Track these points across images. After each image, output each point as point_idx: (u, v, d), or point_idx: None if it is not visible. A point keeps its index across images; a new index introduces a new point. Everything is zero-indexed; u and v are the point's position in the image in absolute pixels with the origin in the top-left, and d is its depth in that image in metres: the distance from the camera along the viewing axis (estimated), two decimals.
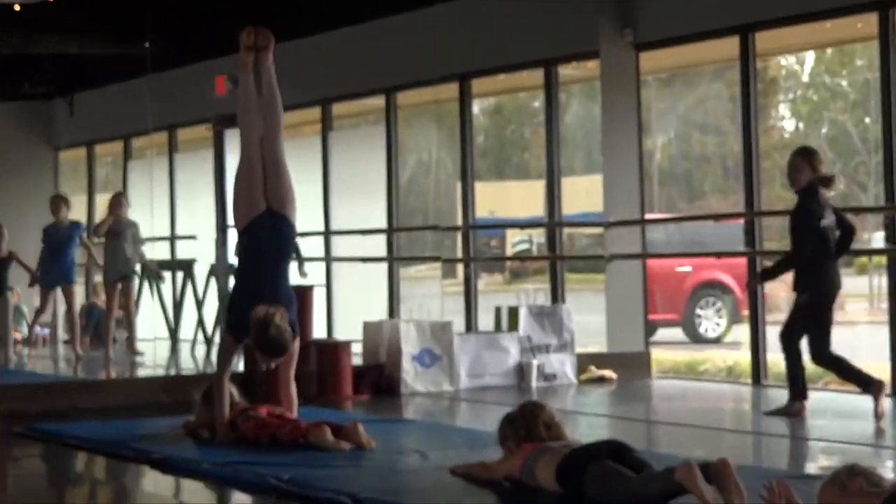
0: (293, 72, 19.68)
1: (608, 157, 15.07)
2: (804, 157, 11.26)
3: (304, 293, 13.44)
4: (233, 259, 18.89)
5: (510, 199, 21.88)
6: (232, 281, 11.43)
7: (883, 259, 12.97)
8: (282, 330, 9.15)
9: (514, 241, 21.93)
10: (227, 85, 20.55)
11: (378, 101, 18.82)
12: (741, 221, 14.28)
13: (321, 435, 9.04)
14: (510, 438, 7.67)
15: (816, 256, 11.14)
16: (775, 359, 14.61)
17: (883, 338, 12.62)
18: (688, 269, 20.06)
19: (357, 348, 13.88)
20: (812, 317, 11.31)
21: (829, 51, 20.63)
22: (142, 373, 15.33)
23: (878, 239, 14.45)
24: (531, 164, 21.36)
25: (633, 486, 6.78)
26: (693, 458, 6.86)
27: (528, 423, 7.64)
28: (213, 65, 20.82)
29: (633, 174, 15.06)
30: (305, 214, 19.39)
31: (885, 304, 13.02)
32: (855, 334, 18.36)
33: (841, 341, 18.82)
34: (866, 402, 12.20)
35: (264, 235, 9.68)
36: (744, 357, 14.28)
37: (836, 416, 11.32)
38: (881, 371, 12.46)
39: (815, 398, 12.69)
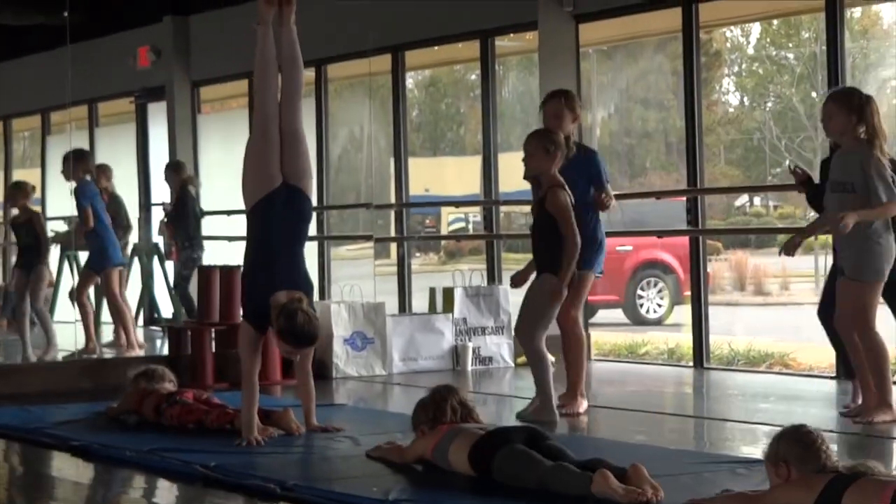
0: (220, 43, 19.71)
1: None
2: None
3: (231, 273, 13.46)
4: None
5: (445, 176, 21.92)
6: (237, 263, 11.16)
7: (829, 238, 13.07)
8: (311, 317, 8.62)
9: (450, 219, 21.97)
10: (150, 56, 20.53)
11: (307, 74, 18.79)
12: (683, 199, 14.33)
13: None
14: (422, 422, 7.79)
15: None
16: (718, 340, 14.80)
17: None
18: (629, 248, 20.17)
19: None
20: None
21: (774, 22, 20.79)
22: (61, 357, 15.27)
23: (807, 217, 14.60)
24: (467, 139, 21.43)
25: (544, 473, 6.90)
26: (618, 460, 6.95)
27: (437, 406, 7.76)
28: (136, 35, 20.79)
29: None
30: (233, 191, 19.51)
31: None
32: (801, 314, 18.54)
33: (786, 322, 19.13)
34: (810, 384, 12.39)
35: (280, 213, 8.96)
36: (685, 339, 14.40)
37: (780, 400, 11.43)
38: (824, 353, 12.61)
39: (758, 381, 12.88)
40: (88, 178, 15.95)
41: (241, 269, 9.36)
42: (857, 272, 9.49)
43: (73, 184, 15.64)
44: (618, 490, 6.65)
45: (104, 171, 17.79)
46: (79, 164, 15.87)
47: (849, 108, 9.49)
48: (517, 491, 6.91)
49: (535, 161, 10.04)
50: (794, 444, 6.22)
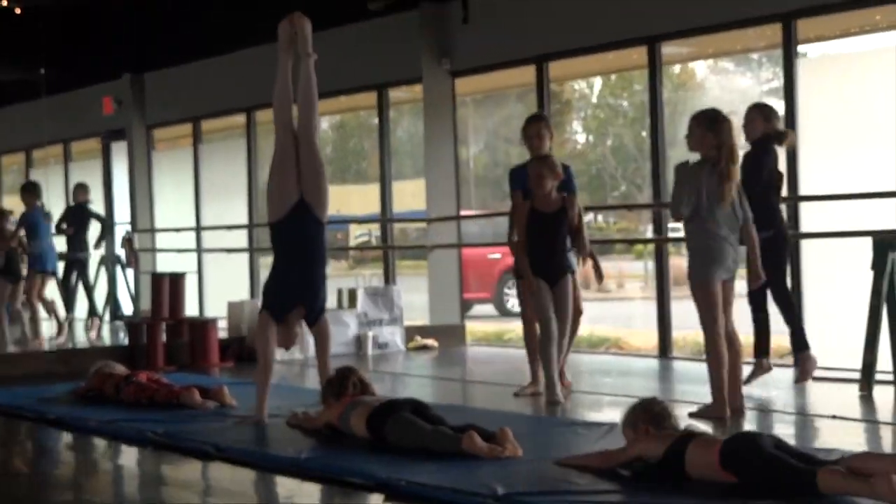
0: (169, 94, 19.61)
1: (430, 165, 15.15)
2: (758, 109, 10.07)
3: (178, 279, 13.41)
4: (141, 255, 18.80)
5: (353, 199, 21.96)
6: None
7: (652, 246, 13.21)
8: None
9: (357, 234, 22.00)
10: (113, 105, 20.39)
11: (240, 119, 18.76)
12: None
13: (191, 396, 9.04)
14: (329, 395, 7.81)
15: (771, 197, 9.85)
16: None
17: (653, 311, 12.84)
18: (497, 256, 20.23)
19: (223, 324, 13.87)
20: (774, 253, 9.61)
21: (613, 77, 20.95)
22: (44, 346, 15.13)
23: (649, 230, 14.74)
24: (369, 170, 21.45)
25: (426, 436, 6.92)
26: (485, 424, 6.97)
27: (341, 383, 7.79)
28: (101, 88, 20.66)
29: (450, 179, 15.16)
30: (181, 213, 19.41)
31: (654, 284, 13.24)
32: (631, 308, 18.73)
33: (620, 314, 19.26)
34: (638, 362, 12.48)
35: (297, 227, 8.25)
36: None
37: (617, 375, 11.50)
38: (650, 337, 12.73)
39: (598, 360, 12.95)
40: (39, 204, 16.02)
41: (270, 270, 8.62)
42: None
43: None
44: (483, 448, 6.69)
45: (82, 188, 17.94)
46: (29, 195, 16.01)
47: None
48: (403, 450, 6.92)
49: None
50: (649, 411, 6.34)
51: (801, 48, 11.81)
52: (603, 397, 9.79)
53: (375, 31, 15.77)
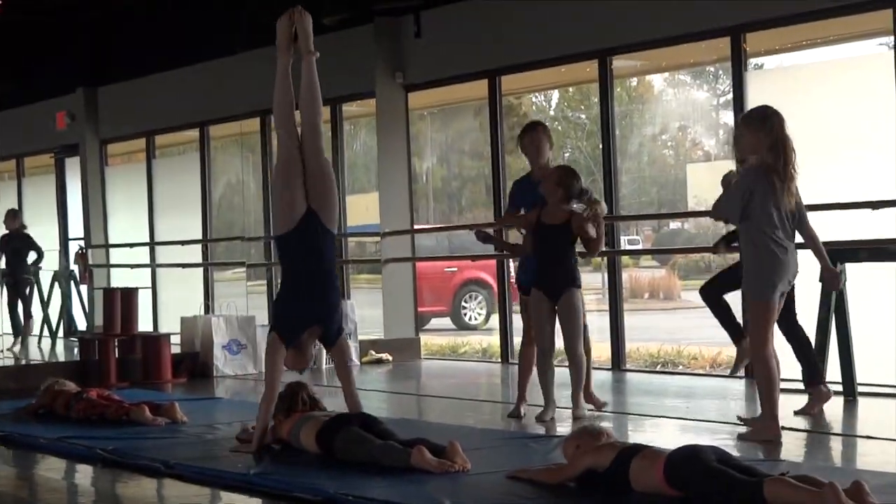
0: (122, 108, 19.55)
1: (384, 179, 15.17)
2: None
3: (130, 294, 13.38)
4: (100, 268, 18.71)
5: None
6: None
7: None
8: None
9: None
10: (66, 120, 20.31)
11: (194, 134, 18.73)
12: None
13: (141, 413, 9.02)
14: (279, 411, 7.79)
15: None
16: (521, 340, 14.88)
17: (607, 323, 12.89)
18: (454, 269, 20.26)
19: (176, 339, 13.84)
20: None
21: (570, 90, 21.00)
22: None
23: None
24: None
25: (375, 450, 6.95)
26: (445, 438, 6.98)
27: (291, 398, 7.79)
28: (55, 103, 20.57)
29: (404, 192, 15.17)
30: (135, 228, 19.35)
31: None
32: (589, 319, 18.70)
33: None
34: (597, 375, 12.48)
35: (307, 239, 7.64)
36: (495, 340, 14.49)
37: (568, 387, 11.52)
38: (604, 349, 12.76)
39: (555, 372, 12.93)
40: None
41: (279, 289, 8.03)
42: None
43: None
44: (432, 462, 6.71)
45: (12, 215, 17.88)
46: None
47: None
48: (353, 465, 6.94)
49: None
50: (588, 433, 6.42)
51: (755, 60, 11.93)
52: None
53: (329, 45, 15.66)
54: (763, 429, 7.82)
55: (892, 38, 10.50)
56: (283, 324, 7.72)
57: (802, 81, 11.51)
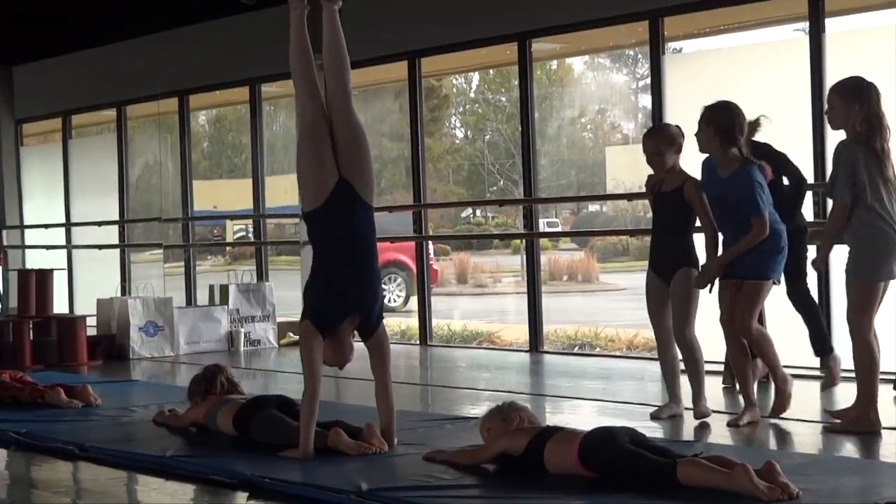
0: (39, 87, 19.31)
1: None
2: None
3: (45, 275, 13.24)
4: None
5: (231, 194, 21.82)
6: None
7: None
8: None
9: (235, 229, 21.85)
10: None
11: (110, 114, 18.55)
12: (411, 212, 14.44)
13: (55, 395, 8.94)
14: (196, 393, 7.77)
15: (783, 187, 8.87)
16: (440, 323, 14.96)
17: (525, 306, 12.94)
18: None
19: (93, 322, 13.72)
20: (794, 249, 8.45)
21: (491, 72, 21.08)
22: None
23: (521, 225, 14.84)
24: (247, 165, 21.33)
25: (291, 433, 6.92)
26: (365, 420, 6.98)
27: (208, 381, 7.76)
28: None
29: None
30: (51, 209, 19.14)
31: None
32: (506, 301, 18.85)
33: (494, 309, 19.38)
34: (511, 356, 12.57)
35: (341, 214, 6.67)
36: (414, 322, 14.51)
37: (491, 370, 11.57)
38: (521, 332, 12.82)
39: (471, 355, 13.02)
40: None
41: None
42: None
43: None
44: (349, 444, 6.71)
45: None
46: None
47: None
48: (270, 447, 6.93)
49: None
50: (510, 409, 6.44)
51: (674, 44, 12.02)
52: (470, 392, 9.82)
53: (248, 25, 15.67)
54: (859, 419, 7.34)
55: (807, 23, 10.61)
56: (316, 312, 6.74)
57: (720, 66, 11.59)
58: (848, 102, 7.34)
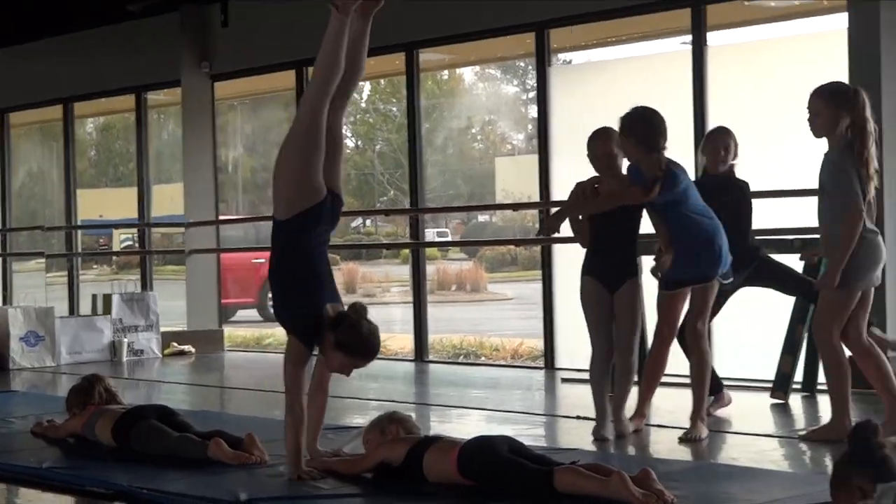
0: None
1: (189, 170, 15.01)
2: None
3: None
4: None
5: (118, 203, 21.55)
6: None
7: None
8: (375, 328, 6.36)
9: (122, 238, 21.60)
10: None
11: None
12: None
13: None
14: (74, 404, 7.67)
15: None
16: None
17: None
18: (262, 260, 20.12)
19: None
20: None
21: (382, 82, 21.05)
22: None
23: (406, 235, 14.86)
24: (134, 174, 21.12)
25: (171, 443, 6.89)
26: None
27: (87, 391, 7.67)
28: None
29: (209, 183, 15.06)
30: None
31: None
32: (393, 311, 18.76)
33: (382, 318, 19.28)
34: (396, 365, 12.54)
35: (323, 228, 6.35)
36: None
37: (373, 378, 11.54)
38: (407, 341, 12.82)
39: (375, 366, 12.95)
40: None
41: (275, 281, 6.52)
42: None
43: None
44: (229, 454, 6.68)
45: None
46: None
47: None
48: (148, 457, 6.87)
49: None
50: (392, 420, 6.46)
51: (563, 55, 12.13)
52: (357, 401, 9.80)
53: (134, 32, 15.54)
54: (833, 427, 7.21)
55: (690, 36, 10.76)
56: (306, 330, 6.29)
57: (606, 77, 11.73)
58: (835, 109, 7.13)
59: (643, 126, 7.58)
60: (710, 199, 7.73)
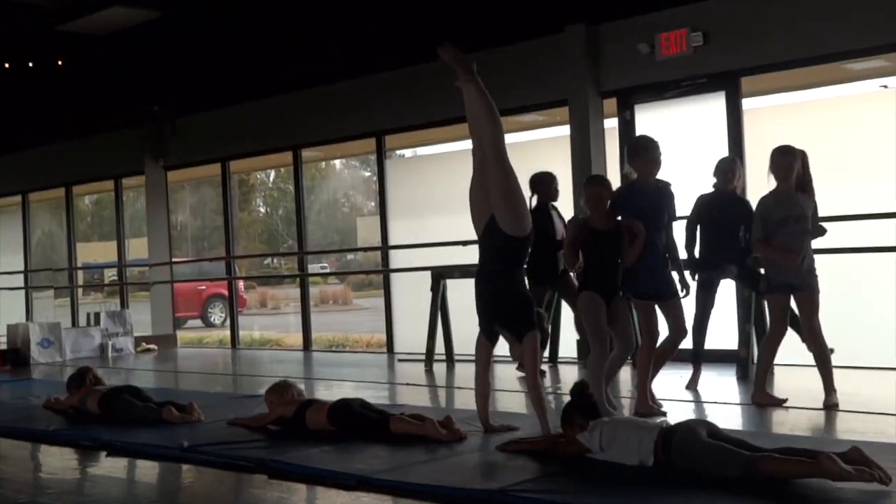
0: None
1: (151, 229, 14.75)
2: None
3: None
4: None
5: (105, 251, 21.00)
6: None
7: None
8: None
9: (110, 274, 21.02)
10: None
11: (17, 199, 17.65)
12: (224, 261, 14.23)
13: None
14: (72, 386, 7.49)
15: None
16: (246, 334, 14.72)
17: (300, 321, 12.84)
18: (203, 287, 19.82)
19: (3, 339, 13.02)
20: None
21: (283, 170, 20.91)
22: None
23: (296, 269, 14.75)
24: (116, 231, 20.62)
25: (138, 411, 6.73)
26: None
27: (80, 377, 7.49)
28: None
29: (165, 237, 14.82)
30: None
31: None
32: (290, 319, 18.57)
33: (282, 323, 19.11)
34: (294, 355, 12.41)
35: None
36: (227, 333, 14.28)
37: (279, 363, 11.40)
38: (298, 337, 12.68)
39: (267, 356, 12.81)
40: None
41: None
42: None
43: None
44: (177, 416, 6.58)
45: None
46: None
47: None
48: (124, 420, 6.71)
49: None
50: (285, 387, 6.24)
51: (399, 151, 12.19)
52: (266, 378, 9.68)
53: (113, 139, 15.26)
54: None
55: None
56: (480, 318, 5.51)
57: (432, 168, 11.69)
58: (791, 160, 6.23)
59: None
60: (720, 210, 7.11)
